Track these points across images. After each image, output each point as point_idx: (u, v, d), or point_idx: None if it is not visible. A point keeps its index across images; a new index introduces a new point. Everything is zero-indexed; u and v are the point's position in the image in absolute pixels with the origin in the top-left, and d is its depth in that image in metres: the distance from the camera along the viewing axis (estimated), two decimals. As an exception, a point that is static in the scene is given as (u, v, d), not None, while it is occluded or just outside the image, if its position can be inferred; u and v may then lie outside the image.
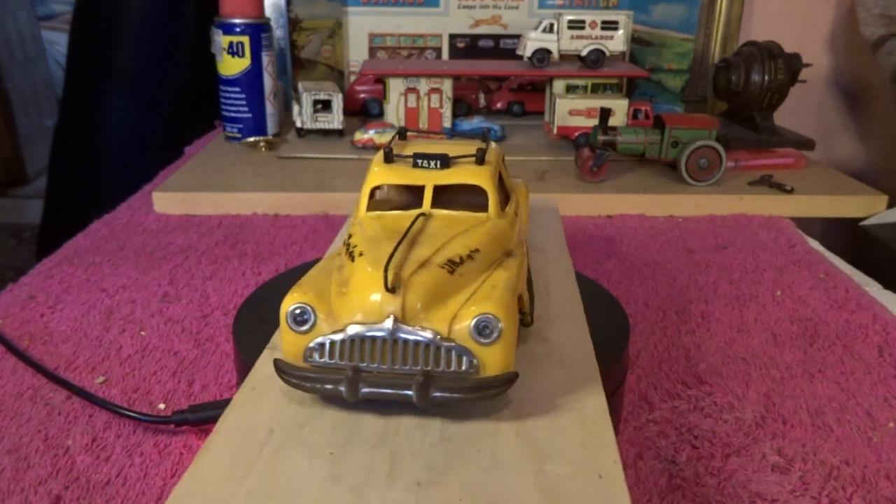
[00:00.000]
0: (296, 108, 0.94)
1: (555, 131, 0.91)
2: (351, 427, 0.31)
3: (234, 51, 0.90)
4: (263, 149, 0.91)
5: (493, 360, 0.30)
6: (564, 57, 0.93)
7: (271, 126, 0.95)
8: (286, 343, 0.32)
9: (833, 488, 0.37)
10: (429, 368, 0.30)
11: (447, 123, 0.95)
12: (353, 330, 0.30)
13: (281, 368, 0.32)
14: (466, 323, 0.30)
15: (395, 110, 0.94)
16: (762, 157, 0.88)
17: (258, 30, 0.91)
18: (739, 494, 0.37)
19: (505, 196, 0.42)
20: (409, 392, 0.30)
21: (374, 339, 0.30)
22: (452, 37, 1.09)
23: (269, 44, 0.93)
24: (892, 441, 0.41)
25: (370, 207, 0.39)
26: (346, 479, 0.28)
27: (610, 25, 0.91)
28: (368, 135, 0.90)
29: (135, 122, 1.20)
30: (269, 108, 0.94)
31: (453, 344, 0.30)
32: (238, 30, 0.90)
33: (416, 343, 0.30)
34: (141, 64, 1.18)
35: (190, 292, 0.58)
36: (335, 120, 0.94)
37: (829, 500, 0.36)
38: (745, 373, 0.48)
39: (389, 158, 0.40)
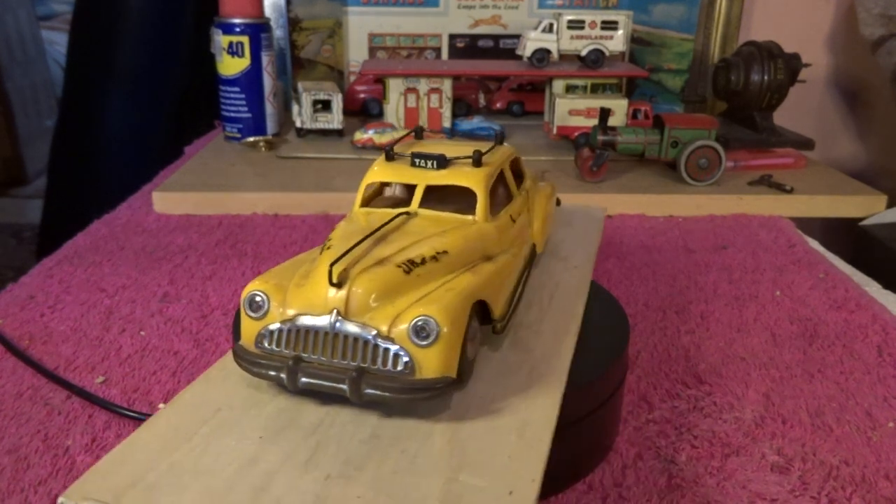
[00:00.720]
0: (296, 108, 0.94)
1: (554, 131, 0.91)
2: (292, 414, 0.31)
3: (233, 51, 0.91)
4: (263, 149, 0.91)
5: (429, 362, 0.30)
6: (564, 57, 0.93)
7: (271, 126, 0.95)
8: (244, 328, 0.33)
9: (833, 488, 0.37)
10: (365, 365, 0.30)
11: (447, 123, 0.95)
12: (298, 320, 0.31)
13: (236, 352, 0.33)
14: (406, 323, 0.30)
15: (394, 110, 0.94)
16: (762, 157, 0.88)
17: (258, 30, 0.91)
18: (739, 494, 0.37)
19: (506, 198, 0.42)
20: (344, 386, 0.30)
21: (316, 330, 0.31)
22: (452, 37, 1.09)
23: (269, 44, 0.93)
24: (891, 441, 0.41)
25: (369, 204, 0.40)
26: (263, 464, 0.29)
27: (610, 25, 0.91)
28: (368, 135, 0.90)
29: (135, 122, 1.20)
30: (269, 108, 0.95)
31: (391, 343, 0.30)
32: (238, 30, 0.90)
33: (356, 338, 0.31)
34: (141, 64, 1.18)
35: (190, 292, 0.58)
36: (335, 120, 0.94)
37: (829, 500, 0.36)
38: (745, 373, 0.48)
39: (391, 156, 0.40)
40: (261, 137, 0.93)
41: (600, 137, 0.80)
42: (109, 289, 0.58)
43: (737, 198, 0.78)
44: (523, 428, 0.30)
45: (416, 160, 0.39)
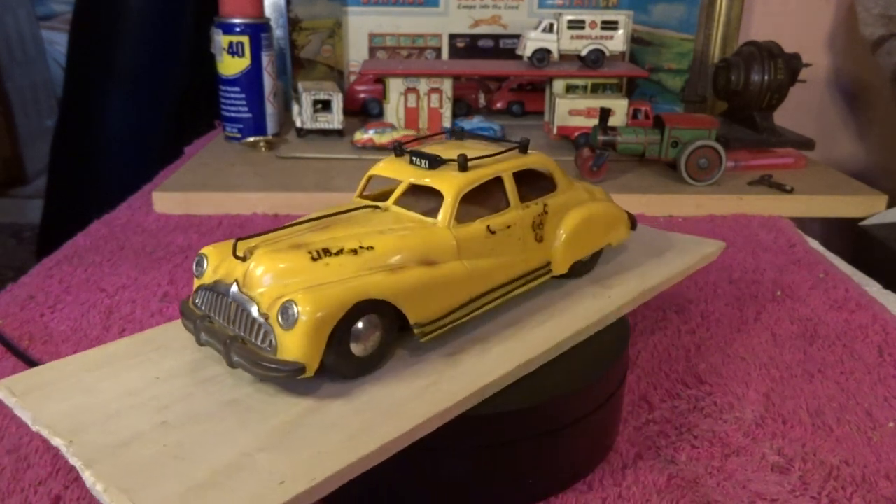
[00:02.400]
0: (296, 108, 0.94)
1: (555, 131, 0.91)
2: (200, 365, 0.35)
3: (234, 51, 0.90)
4: (263, 149, 0.91)
5: (288, 345, 0.32)
6: (564, 57, 0.93)
7: (271, 126, 0.95)
8: (195, 285, 0.36)
9: (833, 488, 0.37)
10: (244, 335, 0.33)
11: (447, 123, 0.95)
12: (215, 285, 0.34)
13: (180, 306, 0.37)
14: (279, 305, 0.32)
15: (395, 110, 0.94)
16: (762, 157, 0.88)
17: (258, 30, 0.91)
18: (739, 494, 0.37)
19: (497, 207, 0.40)
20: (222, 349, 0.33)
21: (221, 296, 0.34)
22: (452, 37, 1.09)
23: (269, 44, 0.93)
24: (892, 441, 0.41)
25: (370, 194, 0.42)
26: (133, 398, 0.33)
27: (610, 25, 0.91)
28: (368, 135, 0.90)
29: (135, 122, 1.19)
30: (269, 108, 0.94)
31: (265, 319, 0.32)
32: (238, 30, 0.90)
33: (242, 309, 0.33)
34: (141, 64, 1.18)
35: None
36: (335, 120, 0.94)
37: (829, 500, 0.36)
38: (745, 373, 0.48)
39: (398, 153, 0.41)
40: (261, 137, 0.93)
41: (600, 137, 0.80)
42: (109, 289, 0.58)
43: (737, 198, 0.78)
44: (360, 434, 0.30)
45: (413, 158, 0.40)
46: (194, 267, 0.36)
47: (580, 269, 0.45)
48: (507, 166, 0.40)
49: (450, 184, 0.38)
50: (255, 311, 0.33)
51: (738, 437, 0.41)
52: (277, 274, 0.33)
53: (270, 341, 0.32)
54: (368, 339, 0.34)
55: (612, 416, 0.40)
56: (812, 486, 0.37)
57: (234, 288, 0.34)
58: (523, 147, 0.43)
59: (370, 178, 0.41)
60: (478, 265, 0.38)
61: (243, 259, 0.34)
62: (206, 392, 0.33)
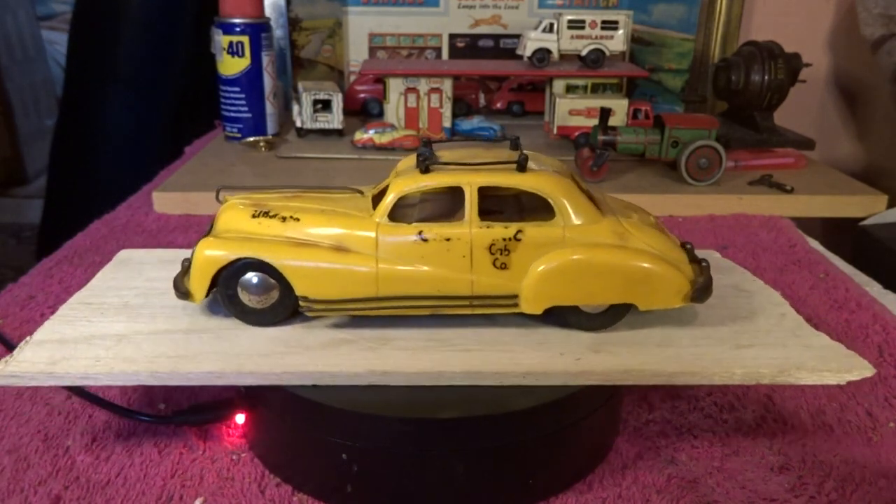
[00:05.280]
0: (296, 108, 0.94)
1: (555, 131, 0.90)
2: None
3: (234, 51, 0.90)
4: (263, 149, 0.91)
5: (189, 275, 0.39)
6: (564, 57, 0.93)
7: (271, 126, 0.95)
8: None
9: (833, 488, 0.37)
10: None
11: (447, 123, 0.95)
12: None
13: None
14: None
15: (395, 110, 0.94)
16: (762, 157, 0.88)
17: (258, 29, 0.91)
18: (739, 494, 0.37)
19: (446, 217, 0.39)
20: None
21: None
22: (452, 37, 1.09)
23: (269, 44, 0.93)
24: (892, 441, 0.41)
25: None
26: (145, 284, 0.43)
27: (610, 25, 0.91)
28: (368, 135, 0.90)
29: (134, 122, 1.19)
30: (269, 108, 0.94)
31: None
32: (238, 29, 0.90)
33: None
34: (141, 64, 1.18)
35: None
36: (335, 120, 0.94)
37: (829, 500, 0.36)
38: (745, 373, 0.48)
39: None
40: (261, 137, 0.93)
41: (600, 137, 0.80)
42: (109, 289, 0.58)
43: (737, 198, 0.78)
44: (182, 357, 0.36)
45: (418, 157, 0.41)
46: None
47: (582, 321, 0.39)
48: (474, 179, 0.38)
49: (395, 183, 0.39)
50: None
51: (738, 437, 0.41)
52: (226, 221, 0.40)
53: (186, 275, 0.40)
54: (259, 294, 0.38)
55: (612, 416, 0.40)
56: (812, 486, 0.37)
57: (209, 225, 0.41)
58: (520, 165, 0.38)
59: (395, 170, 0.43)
60: (395, 267, 0.38)
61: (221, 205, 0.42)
62: (172, 301, 0.40)
